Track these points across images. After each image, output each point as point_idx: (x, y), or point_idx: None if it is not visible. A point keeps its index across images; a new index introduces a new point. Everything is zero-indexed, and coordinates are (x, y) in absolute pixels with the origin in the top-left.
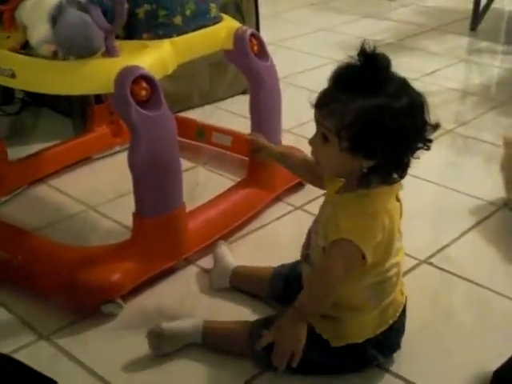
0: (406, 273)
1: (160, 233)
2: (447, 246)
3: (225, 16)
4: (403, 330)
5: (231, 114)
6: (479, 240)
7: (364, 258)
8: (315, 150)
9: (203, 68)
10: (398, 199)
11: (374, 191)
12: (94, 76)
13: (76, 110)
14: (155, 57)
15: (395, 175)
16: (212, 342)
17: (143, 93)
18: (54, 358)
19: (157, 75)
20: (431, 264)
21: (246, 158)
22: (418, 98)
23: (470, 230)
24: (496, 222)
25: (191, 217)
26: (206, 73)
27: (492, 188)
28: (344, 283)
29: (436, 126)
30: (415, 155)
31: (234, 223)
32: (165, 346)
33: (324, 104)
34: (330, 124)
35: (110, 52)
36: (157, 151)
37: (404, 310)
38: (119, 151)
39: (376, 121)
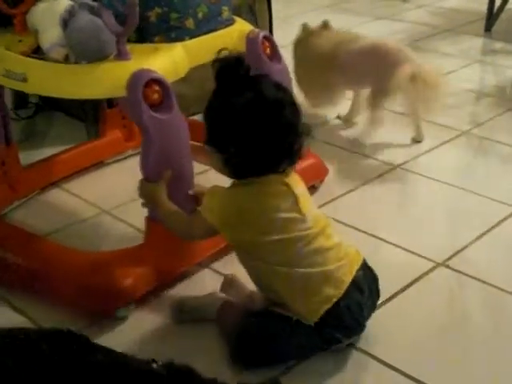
0: (422, 275)
1: (173, 237)
2: (464, 248)
3: (237, 18)
4: (360, 308)
5: None
6: (496, 242)
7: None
8: None
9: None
10: (285, 184)
11: (244, 181)
12: (106, 79)
13: (89, 115)
14: (167, 60)
15: (259, 171)
16: (220, 317)
17: (155, 96)
18: None
19: (168, 78)
20: (448, 266)
21: None
22: (272, 96)
23: (487, 232)
24: None
25: None
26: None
27: (508, 189)
28: (259, 270)
29: (297, 126)
30: (284, 154)
31: None
32: (184, 316)
33: None
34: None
35: (121, 55)
36: (169, 154)
37: (357, 287)
38: (131, 155)
39: (213, 115)
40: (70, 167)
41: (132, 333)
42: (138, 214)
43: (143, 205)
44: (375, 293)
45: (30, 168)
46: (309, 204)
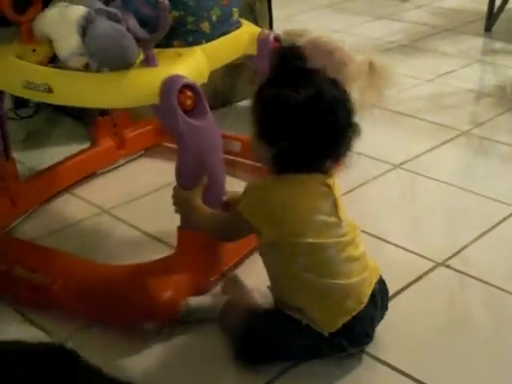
0: (422, 275)
1: (204, 246)
2: (464, 248)
3: (243, 20)
4: (371, 321)
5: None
6: (497, 242)
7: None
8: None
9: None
10: (326, 185)
11: (286, 176)
12: (137, 87)
13: (90, 115)
14: (192, 65)
15: (305, 169)
16: (223, 317)
17: (189, 102)
18: None
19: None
20: (448, 266)
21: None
22: (330, 94)
23: (487, 231)
24: None
25: None
26: (221, 74)
27: (508, 189)
28: (285, 268)
29: (354, 126)
30: (332, 155)
31: None
32: (187, 317)
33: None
34: (250, 115)
35: (149, 61)
36: (204, 161)
37: (373, 301)
38: (123, 164)
39: (270, 107)
40: (67, 180)
41: (132, 334)
42: (139, 215)
43: (176, 211)
44: (385, 306)
45: (27, 183)
46: (344, 209)
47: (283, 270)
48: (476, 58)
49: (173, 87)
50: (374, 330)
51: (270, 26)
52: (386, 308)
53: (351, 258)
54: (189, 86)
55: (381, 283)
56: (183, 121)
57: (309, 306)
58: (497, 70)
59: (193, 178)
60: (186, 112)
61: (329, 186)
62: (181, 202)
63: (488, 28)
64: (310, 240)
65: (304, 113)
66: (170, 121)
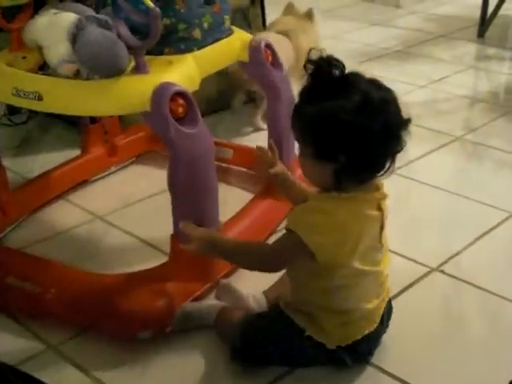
0: (416, 280)
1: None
2: (458, 253)
3: (235, 28)
4: (377, 339)
5: (236, 124)
6: (491, 247)
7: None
8: (299, 162)
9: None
10: (379, 209)
11: (345, 195)
12: (128, 94)
13: (84, 121)
14: (183, 72)
15: (368, 177)
16: (219, 324)
17: (180, 110)
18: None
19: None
20: (442, 272)
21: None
22: (377, 96)
23: (481, 237)
24: (507, 228)
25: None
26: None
27: (502, 194)
28: (316, 282)
29: (407, 122)
30: (391, 155)
31: (262, 238)
32: (182, 324)
33: (292, 117)
34: (295, 135)
35: (140, 69)
36: (196, 169)
37: (381, 320)
38: (114, 171)
39: (323, 123)
40: (58, 188)
41: (127, 342)
42: (132, 221)
43: (201, 253)
44: (388, 322)
45: (17, 192)
46: (386, 233)
47: (313, 287)
48: (469, 64)
49: (164, 95)
50: (376, 347)
51: None
52: (388, 323)
53: (378, 283)
54: (180, 94)
55: (389, 301)
56: (175, 128)
57: (323, 317)
58: (490, 75)
59: (186, 188)
60: (178, 120)
61: (381, 211)
62: (203, 242)
63: (481, 34)
64: (356, 265)
65: (356, 119)
66: (162, 129)
